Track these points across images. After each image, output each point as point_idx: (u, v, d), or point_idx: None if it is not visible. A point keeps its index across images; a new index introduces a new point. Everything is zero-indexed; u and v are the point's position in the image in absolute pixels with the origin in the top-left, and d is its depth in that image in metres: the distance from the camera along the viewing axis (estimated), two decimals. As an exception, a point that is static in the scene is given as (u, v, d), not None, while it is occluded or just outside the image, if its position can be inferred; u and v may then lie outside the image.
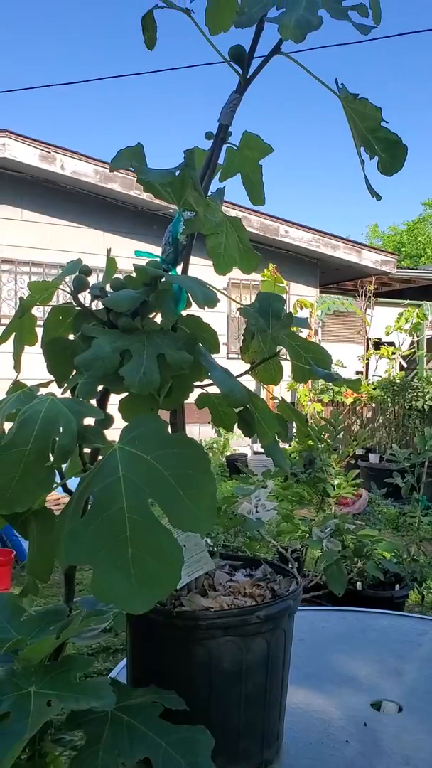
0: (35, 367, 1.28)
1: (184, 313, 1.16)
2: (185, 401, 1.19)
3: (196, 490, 0.90)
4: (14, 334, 1.13)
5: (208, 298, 1.04)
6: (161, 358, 1.01)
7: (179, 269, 1.20)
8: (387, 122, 1.17)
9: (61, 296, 1.58)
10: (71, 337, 1.16)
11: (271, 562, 1.32)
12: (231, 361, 7.79)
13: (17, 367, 1.12)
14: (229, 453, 8.71)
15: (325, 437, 4.55)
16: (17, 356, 1.13)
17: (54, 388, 1.12)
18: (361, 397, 8.90)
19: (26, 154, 8.14)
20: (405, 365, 10.33)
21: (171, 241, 1.18)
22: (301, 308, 10.03)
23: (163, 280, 1.09)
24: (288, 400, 9.33)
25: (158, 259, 1.17)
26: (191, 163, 1.00)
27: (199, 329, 1.17)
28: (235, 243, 1.34)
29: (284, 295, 7.72)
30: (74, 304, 1.13)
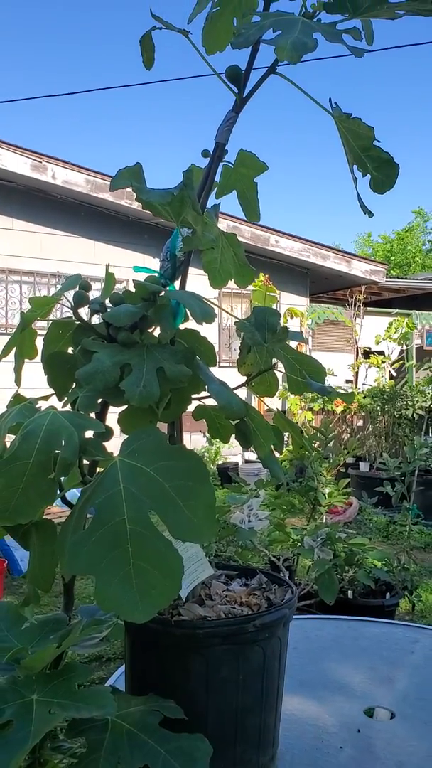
0: (35, 378, 1.30)
1: (181, 326, 1.19)
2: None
3: (196, 501, 0.93)
4: (15, 348, 1.14)
5: (206, 314, 1.07)
6: (160, 372, 1.03)
7: (177, 284, 1.23)
8: (379, 141, 1.20)
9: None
10: (70, 350, 1.18)
11: (266, 572, 1.34)
12: (222, 370, 7.81)
13: (18, 380, 1.14)
14: (220, 461, 8.74)
15: (316, 446, 4.57)
16: (18, 370, 1.15)
17: (53, 401, 1.14)
18: (351, 405, 8.94)
19: (17, 164, 8.15)
20: (394, 374, 10.38)
21: (169, 256, 1.20)
22: (292, 317, 10.07)
23: (162, 295, 1.12)
24: (279, 408, 9.36)
25: (156, 275, 1.20)
26: (190, 183, 1.03)
27: (197, 343, 1.20)
28: (231, 258, 1.36)
29: (275, 304, 7.72)
30: (74, 318, 1.15)
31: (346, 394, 1.31)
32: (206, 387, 1.11)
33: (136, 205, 8.76)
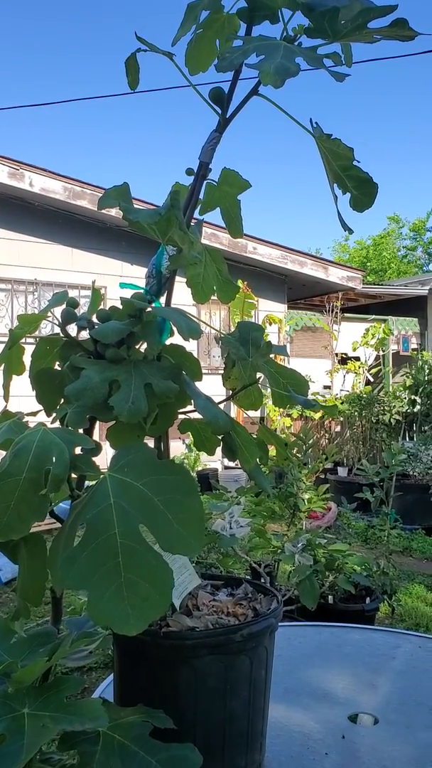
0: (18, 388, 1.31)
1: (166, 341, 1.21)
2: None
3: (185, 514, 0.95)
4: (3, 365, 1.16)
5: (193, 330, 1.09)
6: (148, 388, 1.05)
7: (162, 300, 1.25)
8: (359, 162, 1.23)
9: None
10: (57, 365, 1.19)
11: (251, 581, 1.37)
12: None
13: (6, 396, 1.16)
14: (200, 468, 8.75)
15: (295, 452, 4.60)
16: (6, 387, 1.16)
17: (41, 416, 1.15)
18: (330, 411, 8.99)
19: (-6, 171, 8.13)
20: (372, 380, 10.48)
21: (155, 273, 1.23)
22: (270, 324, 10.13)
23: (148, 311, 1.14)
24: (257, 415, 9.39)
25: (142, 291, 1.22)
26: (177, 203, 1.05)
27: (182, 358, 1.22)
28: (214, 274, 1.39)
29: (253, 311, 7.74)
30: (61, 334, 1.17)
31: (329, 407, 1.34)
32: (193, 402, 1.13)
33: (114, 212, 8.75)
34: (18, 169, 8.22)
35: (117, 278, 8.90)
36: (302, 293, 11.85)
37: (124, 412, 1.01)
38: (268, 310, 10.41)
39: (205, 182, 1.26)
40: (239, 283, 8.48)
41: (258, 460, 1.23)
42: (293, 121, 1.24)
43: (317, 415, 9.22)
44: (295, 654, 1.79)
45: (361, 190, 1.24)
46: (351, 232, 1.31)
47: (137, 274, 8.22)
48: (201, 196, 1.29)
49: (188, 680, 1.13)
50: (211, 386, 1.44)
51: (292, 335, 10.98)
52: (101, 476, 0.96)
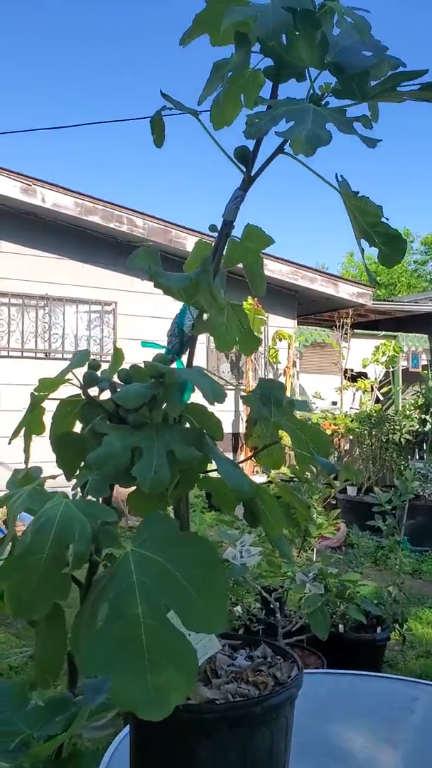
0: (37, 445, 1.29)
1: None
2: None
3: (208, 591, 0.93)
4: (24, 428, 1.14)
5: (217, 394, 1.07)
6: (171, 455, 1.03)
7: (184, 359, 1.24)
8: (387, 219, 1.21)
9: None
10: (77, 424, 1.18)
11: (270, 643, 1.34)
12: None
13: (27, 460, 1.14)
14: (207, 485, 8.70)
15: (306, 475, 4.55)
16: (27, 449, 1.15)
17: (59, 475, 1.14)
18: (339, 429, 8.97)
19: (7, 187, 8.15)
20: (381, 398, 10.43)
21: (177, 332, 1.21)
22: (280, 340, 10.12)
23: (171, 373, 1.12)
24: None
25: (164, 351, 1.20)
26: (207, 268, 1.04)
27: (203, 417, 1.20)
28: (236, 325, 1.37)
29: (263, 327, 7.75)
30: (82, 395, 1.15)
31: (349, 471, 1.31)
32: (216, 466, 1.11)
33: (125, 228, 8.78)
34: (30, 185, 8.25)
35: (127, 293, 8.91)
36: (312, 309, 11.84)
37: (146, 482, 0.99)
38: (278, 326, 10.40)
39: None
40: (249, 299, 8.50)
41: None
42: (319, 178, 1.22)
43: (327, 431, 9.18)
44: (311, 706, 1.75)
45: (390, 246, 1.22)
46: (379, 286, 1.30)
47: (147, 290, 8.22)
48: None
49: (208, 754, 1.10)
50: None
51: (302, 351, 10.96)
52: (124, 552, 0.94)
